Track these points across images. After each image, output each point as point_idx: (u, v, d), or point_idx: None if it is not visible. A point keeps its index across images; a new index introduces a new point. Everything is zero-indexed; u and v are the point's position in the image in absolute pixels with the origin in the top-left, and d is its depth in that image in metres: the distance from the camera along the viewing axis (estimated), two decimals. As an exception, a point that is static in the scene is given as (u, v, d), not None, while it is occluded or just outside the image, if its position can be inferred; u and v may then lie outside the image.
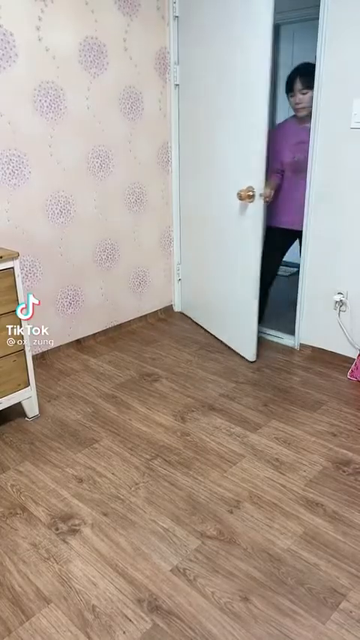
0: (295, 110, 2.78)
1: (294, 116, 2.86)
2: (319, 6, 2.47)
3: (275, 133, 2.92)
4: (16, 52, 2.42)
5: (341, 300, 2.78)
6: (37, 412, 2.42)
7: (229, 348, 3.07)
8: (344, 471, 2.03)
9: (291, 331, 3.12)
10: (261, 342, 3.18)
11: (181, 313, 3.62)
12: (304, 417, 2.39)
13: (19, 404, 2.34)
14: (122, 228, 3.19)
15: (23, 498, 1.92)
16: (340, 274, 2.76)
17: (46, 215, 2.78)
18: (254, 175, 2.56)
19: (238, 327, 2.97)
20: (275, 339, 3.20)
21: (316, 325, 2.96)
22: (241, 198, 2.59)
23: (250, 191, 2.57)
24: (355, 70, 2.42)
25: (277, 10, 3.91)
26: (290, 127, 2.88)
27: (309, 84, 2.62)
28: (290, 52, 4.22)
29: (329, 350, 2.92)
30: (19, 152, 2.56)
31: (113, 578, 1.58)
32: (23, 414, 2.40)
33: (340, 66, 2.46)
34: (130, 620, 1.45)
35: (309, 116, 2.70)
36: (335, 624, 1.43)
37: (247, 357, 2.93)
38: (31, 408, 2.39)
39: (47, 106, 2.62)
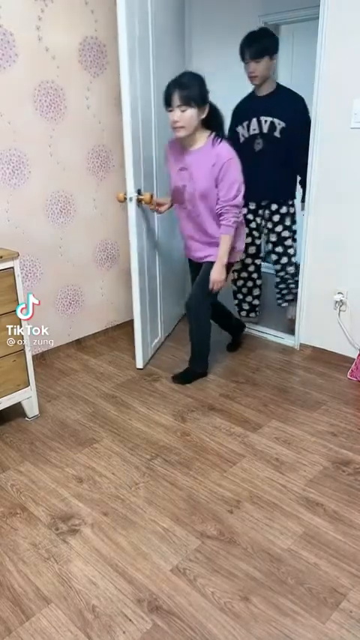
0: (173, 130, 2.27)
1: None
2: (319, 6, 2.47)
3: (167, 150, 2.51)
4: (16, 52, 2.42)
5: (341, 300, 2.78)
6: (37, 412, 2.42)
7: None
8: (344, 471, 2.03)
9: (291, 331, 3.13)
10: (261, 342, 3.18)
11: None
12: (304, 417, 2.39)
13: (19, 404, 2.34)
14: (122, 227, 3.19)
15: (23, 498, 1.92)
16: (340, 274, 2.76)
17: (46, 215, 2.78)
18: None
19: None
20: (275, 339, 3.20)
21: (316, 325, 2.96)
22: (118, 199, 2.54)
23: (124, 193, 2.51)
24: (355, 70, 2.42)
25: (277, 10, 3.94)
26: (176, 150, 2.41)
27: (189, 100, 2.17)
28: (290, 53, 4.22)
29: (329, 350, 2.92)
30: (19, 152, 2.56)
31: (113, 578, 1.58)
32: (23, 414, 2.40)
33: (340, 66, 2.46)
34: (130, 620, 1.45)
35: (195, 137, 2.30)
36: (335, 624, 1.43)
37: (137, 363, 2.87)
38: (31, 408, 2.39)
39: (47, 106, 2.62)
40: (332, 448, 2.17)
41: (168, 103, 2.22)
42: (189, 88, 2.18)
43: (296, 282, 3.15)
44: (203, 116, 2.26)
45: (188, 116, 2.21)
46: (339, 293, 2.78)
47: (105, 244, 3.13)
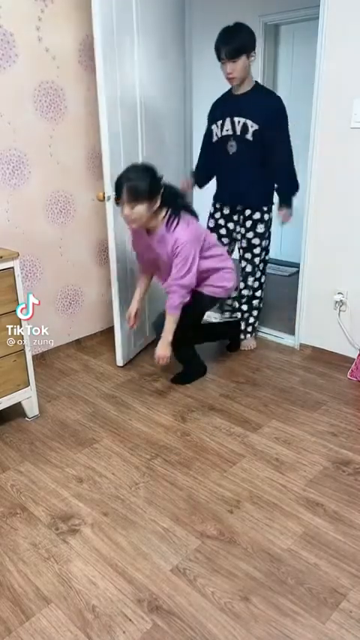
0: (127, 223, 2.30)
1: None
2: (319, 6, 2.47)
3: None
4: (16, 52, 2.42)
5: (341, 300, 2.78)
6: (37, 412, 2.42)
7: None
8: (344, 471, 2.03)
9: (291, 331, 3.13)
10: (261, 342, 3.18)
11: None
12: (304, 417, 2.39)
13: (19, 404, 2.34)
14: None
15: (23, 498, 1.92)
16: (340, 274, 2.76)
17: (46, 215, 2.78)
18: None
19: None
20: (275, 339, 3.20)
21: (316, 325, 2.96)
22: (98, 199, 2.56)
23: (104, 192, 2.53)
24: (355, 70, 2.42)
25: (277, 10, 3.95)
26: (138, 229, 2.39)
27: (137, 196, 2.16)
28: (290, 53, 4.23)
29: (329, 350, 2.92)
30: (19, 152, 2.56)
31: (113, 578, 1.58)
32: (23, 414, 2.40)
33: (340, 66, 2.46)
34: (130, 620, 1.45)
35: (151, 225, 2.30)
36: (335, 624, 1.43)
37: (117, 360, 2.89)
38: (31, 408, 2.39)
39: (47, 106, 2.62)
40: (332, 448, 2.17)
41: (118, 195, 2.21)
42: (137, 183, 2.16)
43: (253, 309, 3.03)
44: (156, 207, 2.23)
45: (138, 212, 2.20)
46: (339, 293, 2.78)
47: (105, 244, 3.12)
